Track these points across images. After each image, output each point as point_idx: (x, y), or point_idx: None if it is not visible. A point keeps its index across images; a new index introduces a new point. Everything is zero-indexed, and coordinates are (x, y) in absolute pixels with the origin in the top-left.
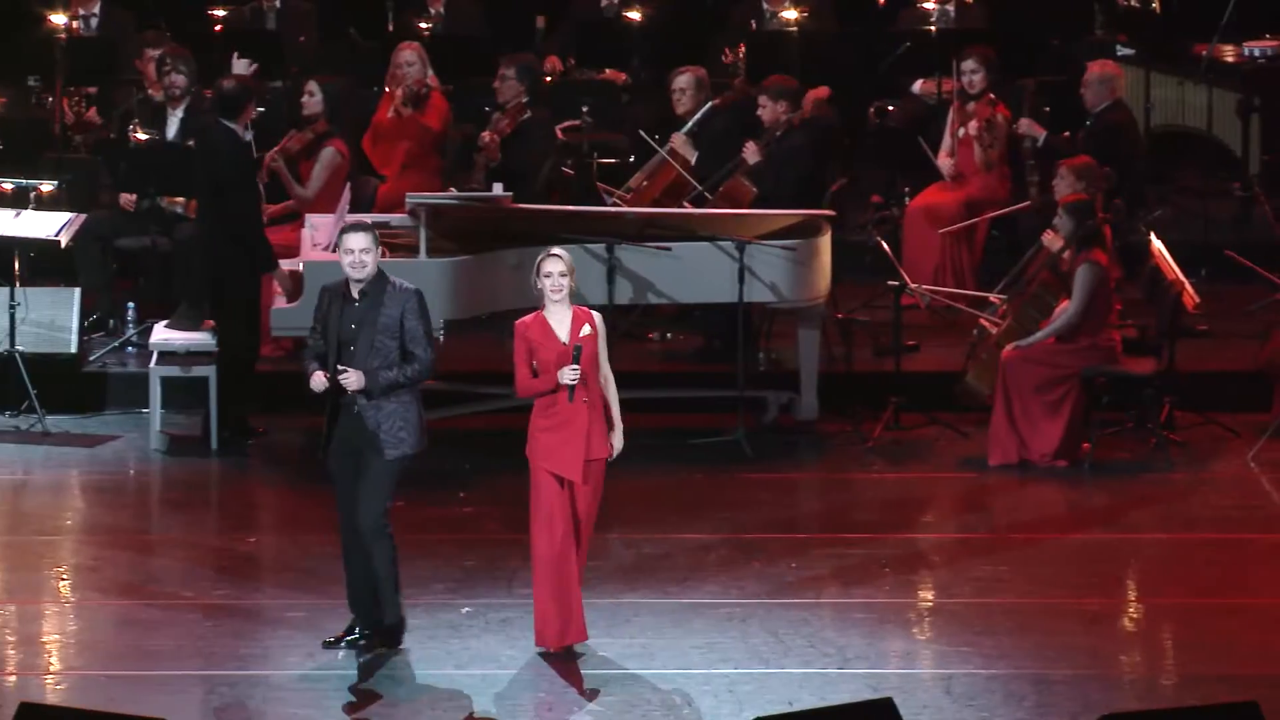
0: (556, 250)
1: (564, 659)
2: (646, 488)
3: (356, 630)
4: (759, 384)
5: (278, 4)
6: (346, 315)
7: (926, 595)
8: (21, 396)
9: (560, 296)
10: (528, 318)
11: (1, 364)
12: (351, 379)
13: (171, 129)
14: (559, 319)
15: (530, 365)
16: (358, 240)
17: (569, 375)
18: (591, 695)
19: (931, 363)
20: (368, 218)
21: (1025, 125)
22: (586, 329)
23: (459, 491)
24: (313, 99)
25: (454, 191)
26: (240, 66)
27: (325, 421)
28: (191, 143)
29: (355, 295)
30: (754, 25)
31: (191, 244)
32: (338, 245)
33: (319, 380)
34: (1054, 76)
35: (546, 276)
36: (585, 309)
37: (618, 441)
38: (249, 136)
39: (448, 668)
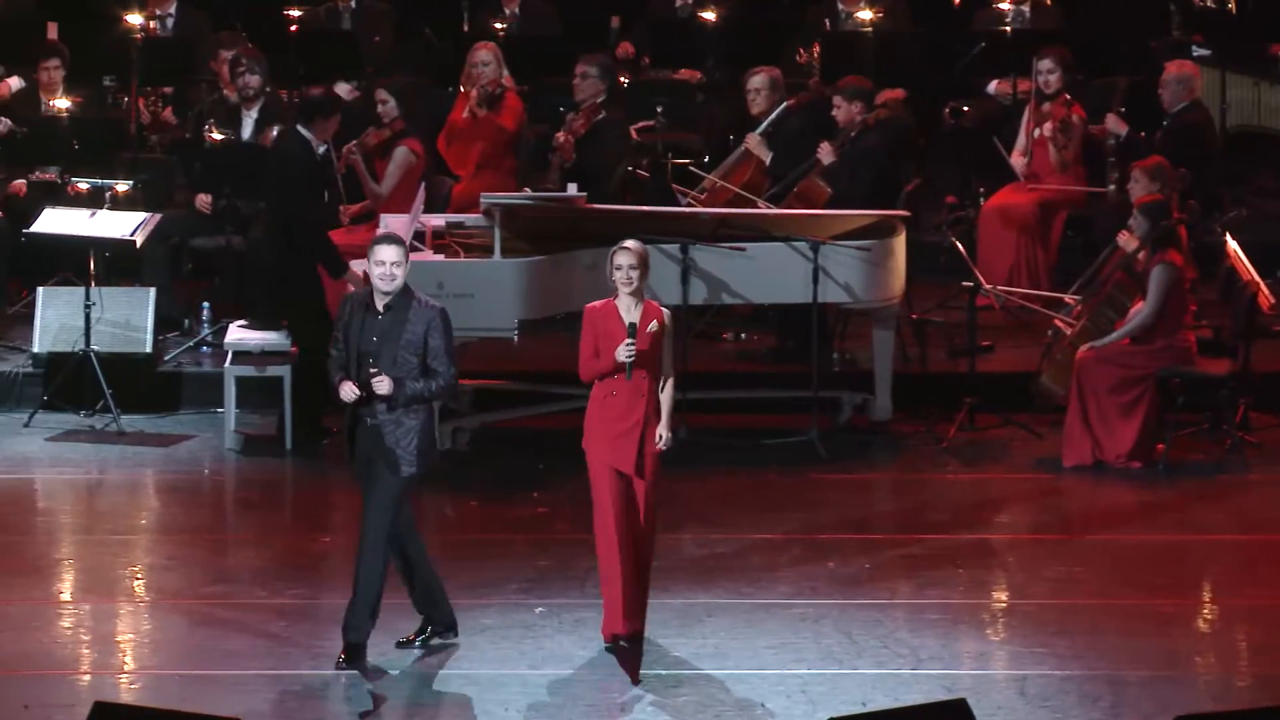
0: (629, 243)
1: (635, 658)
2: (720, 488)
3: (429, 629)
4: (833, 384)
5: (353, 4)
6: (369, 327)
7: (1001, 596)
8: (97, 396)
9: (631, 288)
10: (597, 304)
11: (77, 364)
12: (384, 383)
13: (246, 129)
14: (628, 309)
15: (594, 350)
16: (390, 252)
17: (624, 353)
18: (665, 695)
19: (1006, 363)
20: (442, 218)
21: (1112, 121)
22: (654, 325)
23: (533, 491)
24: (386, 105)
25: (528, 191)
26: (343, 90)
27: (346, 433)
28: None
29: (380, 308)
30: (829, 25)
31: (258, 246)
32: (369, 254)
33: (349, 390)
34: (1130, 76)
35: (617, 269)
36: (656, 304)
37: (664, 431)
38: (323, 149)
39: (521, 667)
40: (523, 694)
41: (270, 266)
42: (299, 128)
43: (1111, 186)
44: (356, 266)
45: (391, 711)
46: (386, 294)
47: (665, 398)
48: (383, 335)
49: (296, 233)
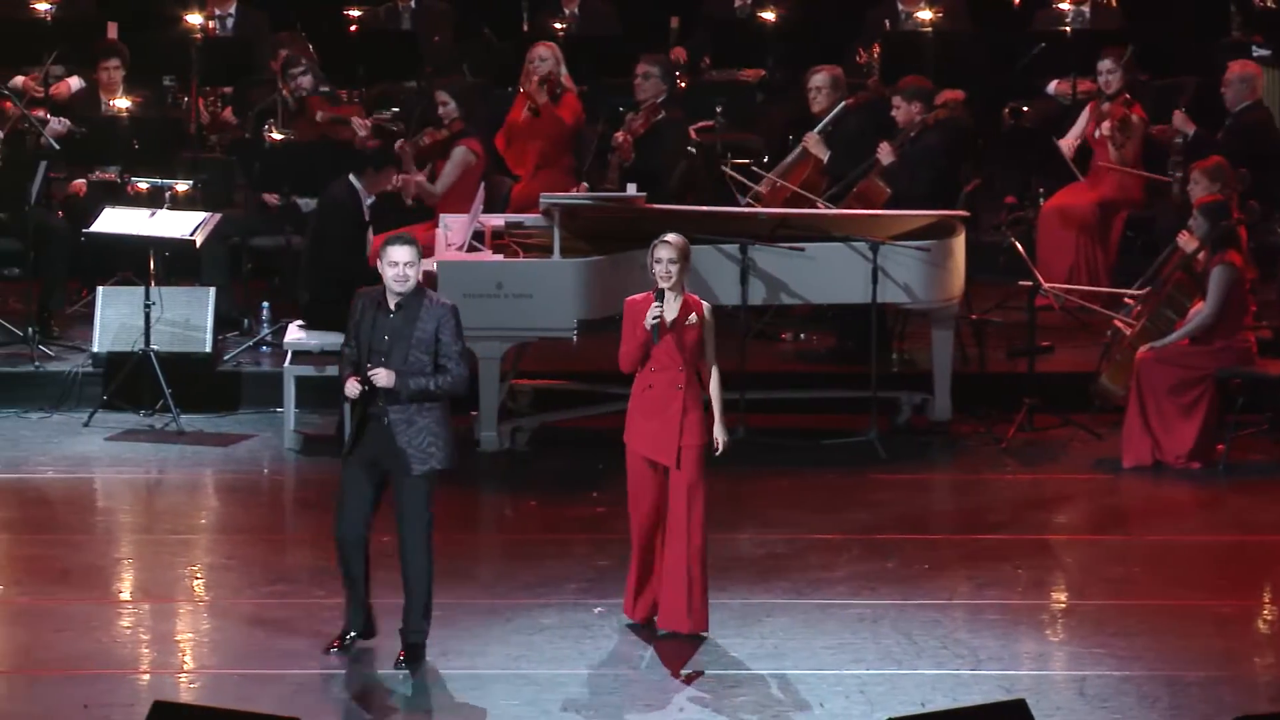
0: (669, 236)
1: (694, 658)
2: (779, 488)
3: (351, 635)
4: (892, 385)
5: (413, 4)
6: (380, 325)
7: (1060, 596)
8: (156, 396)
9: (670, 282)
10: (638, 296)
11: (136, 363)
12: (381, 375)
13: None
14: (667, 302)
15: (633, 341)
16: (403, 253)
17: (652, 313)
18: (722, 695)
19: (1065, 364)
20: (501, 218)
21: (1179, 119)
22: (693, 318)
23: (592, 491)
24: (447, 106)
25: (586, 187)
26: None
27: (352, 429)
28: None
29: (392, 307)
30: (888, 25)
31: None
32: (382, 257)
33: (353, 386)
34: (1190, 77)
35: (657, 262)
36: (697, 298)
37: (720, 434)
38: (370, 202)
39: (580, 667)
40: (581, 693)
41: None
42: (351, 177)
43: (1175, 186)
44: None
45: (450, 711)
46: (400, 294)
47: (715, 394)
48: (395, 333)
49: (332, 273)
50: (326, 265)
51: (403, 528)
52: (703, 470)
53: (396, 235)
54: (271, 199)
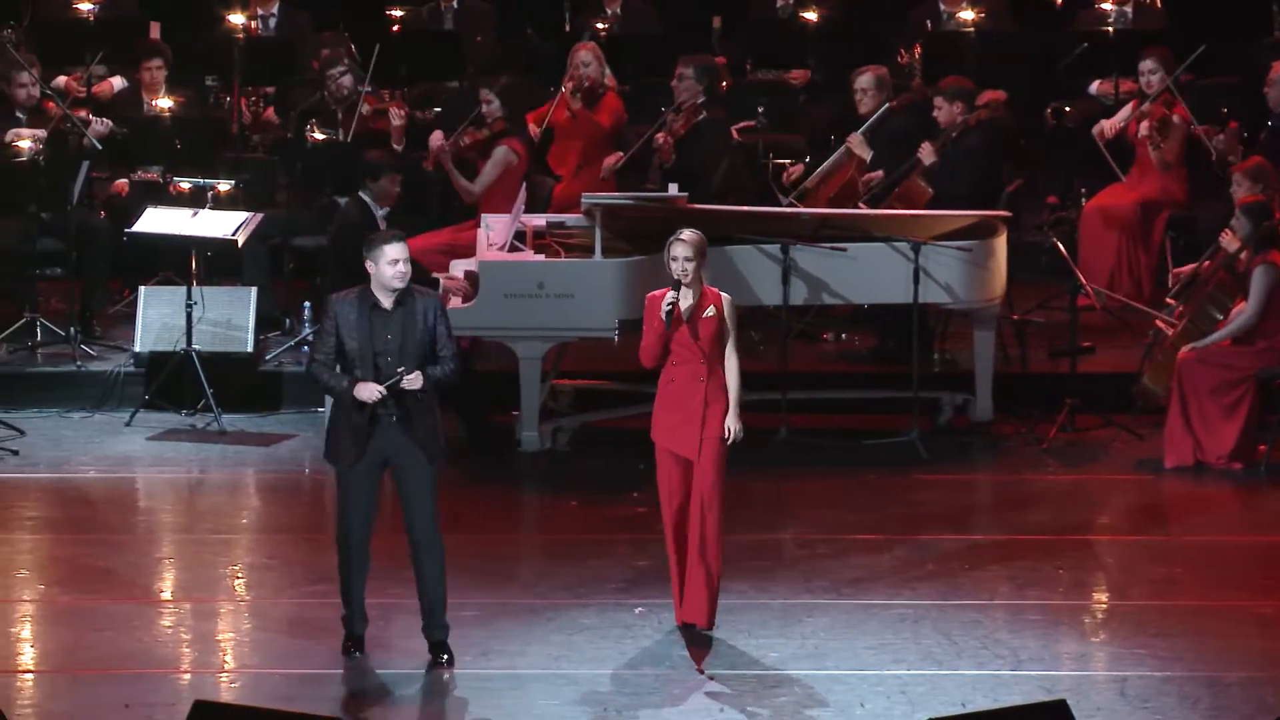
0: (685, 234)
1: (735, 659)
2: (821, 488)
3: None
4: (933, 385)
5: (455, 4)
6: (379, 325)
7: (1101, 597)
8: (198, 395)
9: (688, 279)
10: (657, 292)
11: (178, 363)
12: (416, 378)
13: (338, 130)
14: (685, 298)
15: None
16: (399, 250)
17: (667, 300)
18: (764, 696)
19: (1107, 364)
20: (543, 218)
21: (1228, 141)
22: (711, 310)
23: (633, 491)
24: (491, 105)
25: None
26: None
27: (354, 433)
28: None
29: (388, 305)
30: (930, 26)
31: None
32: (374, 258)
33: (371, 390)
34: (1232, 77)
35: (674, 260)
36: (716, 291)
37: (733, 423)
38: (381, 213)
39: (620, 667)
40: (621, 694)
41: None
42: (361, 193)
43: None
44: (456, 267)
45: (492, 710)
46: (395, 291)
47: (732, 386)
48: (398, 331)
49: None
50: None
51: (419, 521)
52: (723, 463)
53: (391, 234)
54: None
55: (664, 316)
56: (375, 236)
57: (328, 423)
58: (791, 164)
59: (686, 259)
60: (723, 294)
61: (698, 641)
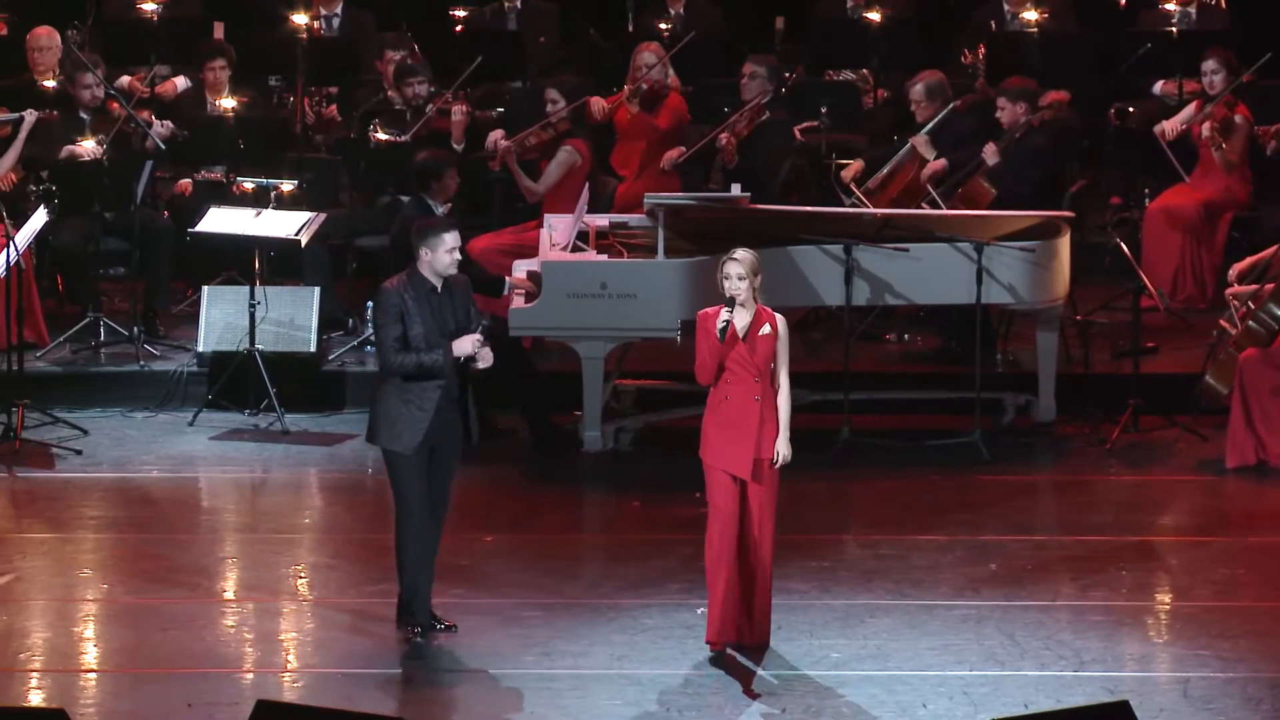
0: (738, 253)
1: (797, 660)
2: (883, 489)
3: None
4: (996, 385)
5: (519, 4)
6: (438, 309)
7: (1164, 598)
8: (261, 395)
9: (743, 298)
10: (710, 309)
11: (241, 363)
12: (487, 355)
13: (407, 134)
14: (740, 316)
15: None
16: (456, 238)
17: (723, 316)
18: (826, 697)
19: (1170, 365)
20: (606, 218)
21: None
22: (767, 328)
23: (695, 491)
24: (556, 106)
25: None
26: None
27: (420, 416)
28: None
29: (439, 289)
30: (994, 26)
31: None
32: (431, 246)
33: (470, 341)
34: None
35: (726, 279)
36: (770, 311)
37: (782, 448)
38: (441, 211)
39: (683, 667)
40: (684, 694)
41: None
42: (421, 195)
43: None
44: (519, 266)
45: (555, 710)
46: (445, 277)
47: (784, 409)
48: (451, 312)
49: None
50: None
51: (440, 504)
52: (778, 484)
53: (448, 222)
54: None
55: (719, 331)
56: (431, 224)
57: (380, 408)
58: (844, 163)
59: (740, 277)
60: (778, 315)
61: (751, 652)
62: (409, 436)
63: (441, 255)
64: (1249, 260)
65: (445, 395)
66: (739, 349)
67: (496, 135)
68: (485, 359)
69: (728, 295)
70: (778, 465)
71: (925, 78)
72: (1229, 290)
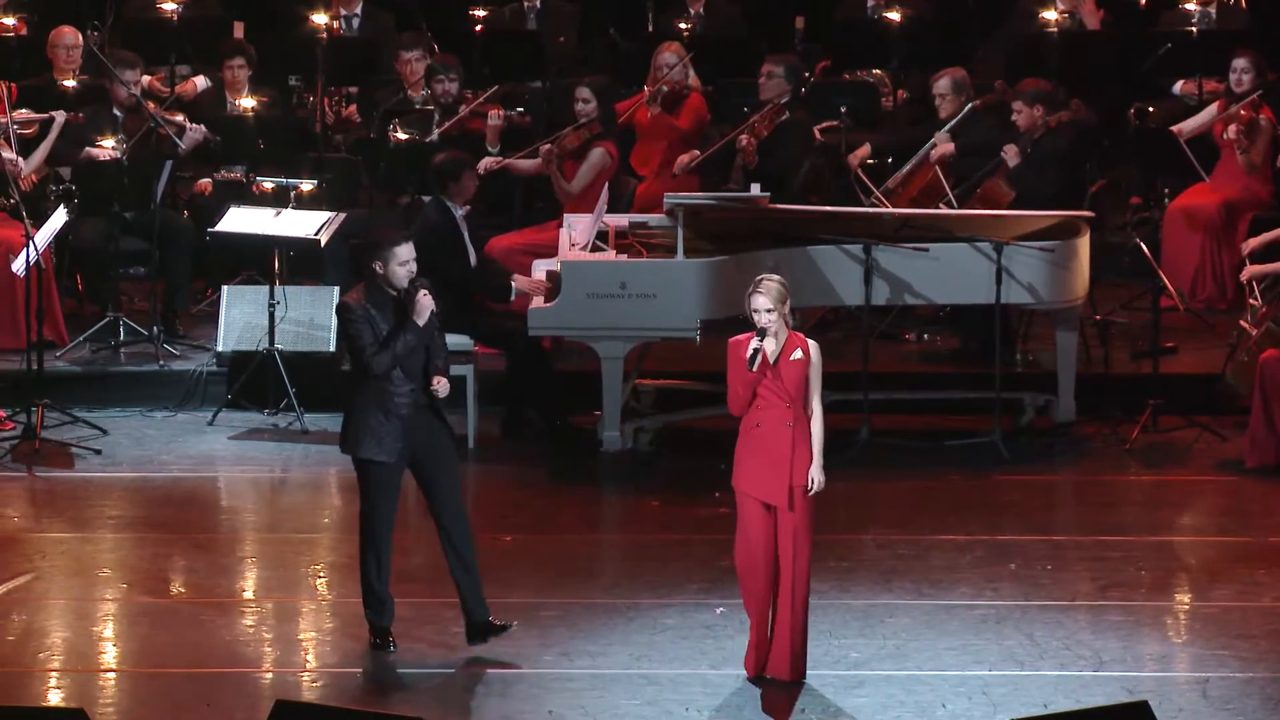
0: (763, 285)
1: (817, 659)
2: (902, 489)
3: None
4: (1016, 385)
5: (538, 4)
6: (401, 314)
7: (1183, 598)
8: (280, 395)
9: (773, 329)
10: (741, 336)
11: (260, 363)
12: (442, 388)
13: (434, 133)
14: (770, 344)
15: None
16: (409, 251)
17: (751, 346)
18: (844, 696)
19: (1190, 365)
20: (625, 218)
21: None
22: (798, 353)
23: (714, 491)
24: (588, 105)
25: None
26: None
27: (392, 426)
28: None
29: (400, 296)
30: (1014, 26)
31: None
32: (384, 259)
33: (424, 303)
34: None
35: (755, 312)
36: (802, 337)
37: (816, 474)
38: (461, 212)
39: (702, 667)
40: (703, 694)
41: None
42: (440, 196)
43: None
44: (539, 266)
45: (573, 710)
46: (401, 289)
47: (816, 435)
48: (420, 328)
49: (444, 295)
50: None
51: (453, 509)
52: (813, 512)
53: (402, 235)
54: None
55: (748, 360)
56: (385, 237)
57: (358, 418)
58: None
59: (768, 310)
60: (810, 340)
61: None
62: (391, 444)
63: (395, 268)
64: (1262, 238)
65: (415, 402)
66: (770, 375)
67: (489, 161)
68: (443, 391)
69: (758, 327)
70: (812, 492)
71: (951, 73)
72: (1244, 271)
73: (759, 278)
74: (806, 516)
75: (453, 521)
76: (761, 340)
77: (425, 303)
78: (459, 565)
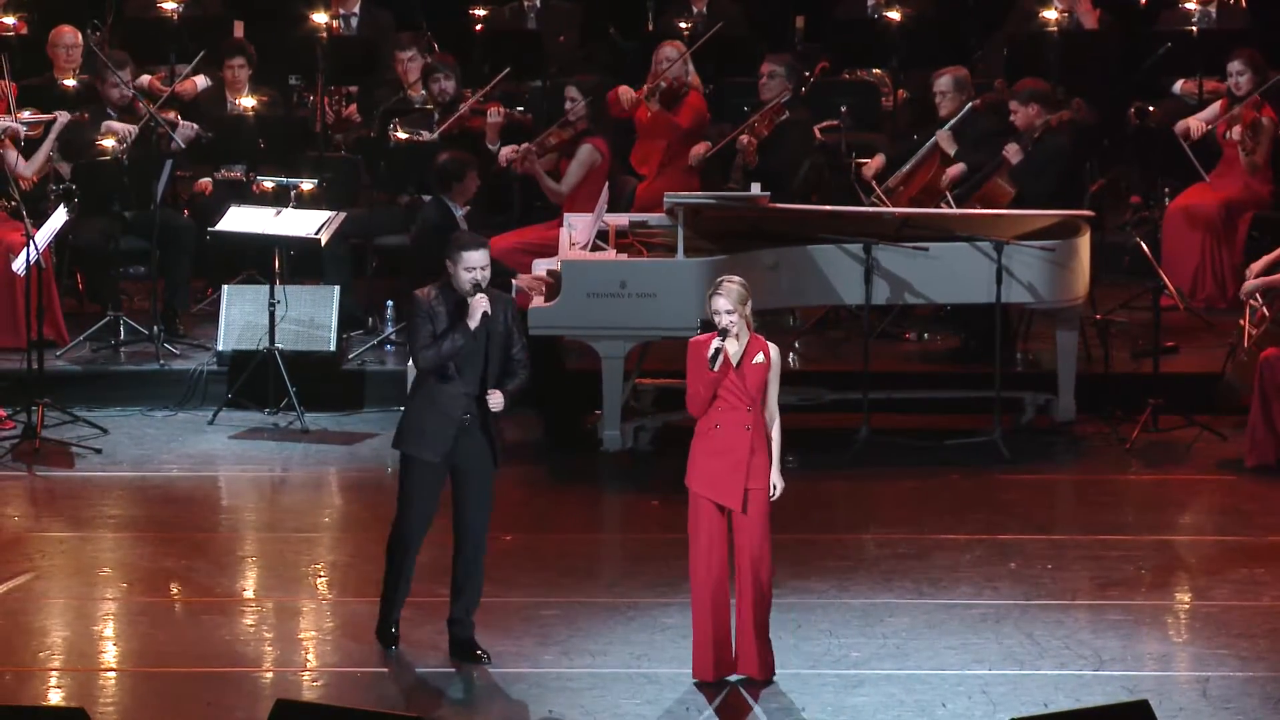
0: (723, 287)
1: (818, 658)
2: (902, 489)
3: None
4: (1016, 385)
5: (538, 3)
6: (470, 328)
7: (1183, 598)
8: (281, 394)
9: (734, 330)
10: (702, 336)
11: (261, 362)
12: (498, 399)
13: (435, 132)
14: (731, 345)
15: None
16: (480, 257)
17: (713, 346)
18: (845, 695)
19: (1190, 364)
20: (625, 217)
21: None
22: (760, 357)
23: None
24: (575, 104)
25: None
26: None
27: (444, 427)
28: None
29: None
30: (1014, 25)
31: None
32: (454, 259)
33: (479, 303)
34: None
35: (715, 314)
36: (763, 340)
37: (777, 480)
38: (461, 212)
39: None
40: (702, 693)
41: None
42: (441, 196)
43: None
44: (539, 265)
45: (574, 709)
46: (471, 293)
47: (774, 440)
48: (482, 327)
49: None
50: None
51: (476, 521)
52: (770, 515)
53: (475, 239)
54: None
55: (710, 358)
56: (459, 239)
57: (411, 414)
58: (863, 162)
59: (728, 312)
60: (770, 344)
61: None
62: (436, 443)
63: (460, 272)
64: (1264, 260)
65: (470, 409)
66: (732, 377)
67: (508, 151)
68: (496, 405)
69: (720, 328)
70: (775, 497)
71: (952, 71)
72: (1244, 286)
73: (720, 279)
74: (763, 518)
75: (472, 542)
76: (723, 340)
77: (477, 304)
78: (462, 584)
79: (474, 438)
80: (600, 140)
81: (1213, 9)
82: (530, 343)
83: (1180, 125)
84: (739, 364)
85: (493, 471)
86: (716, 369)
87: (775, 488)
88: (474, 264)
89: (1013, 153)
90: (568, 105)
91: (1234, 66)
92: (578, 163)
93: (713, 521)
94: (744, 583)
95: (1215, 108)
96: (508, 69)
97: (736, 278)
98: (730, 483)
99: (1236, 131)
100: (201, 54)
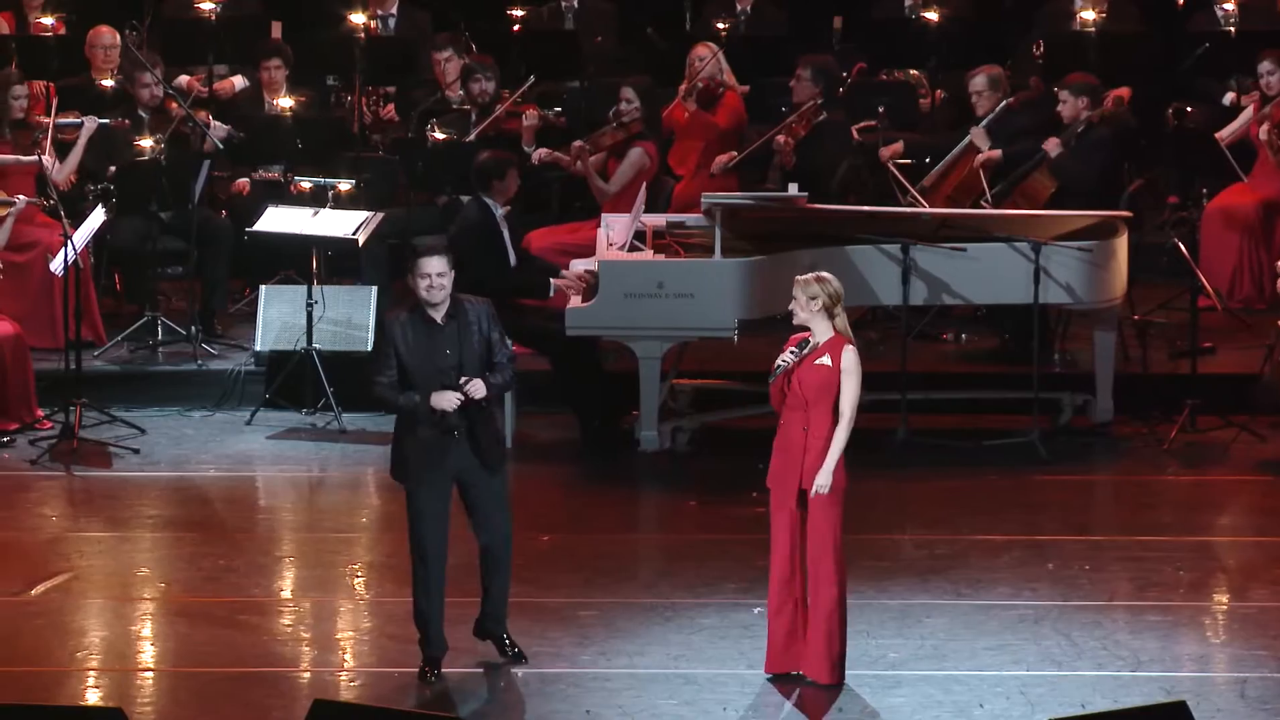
0: (803, 277)
1: (854, 658)
2: (940, 489)
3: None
4: (1054, 385)
5: (576, 4)
6: (436, 341)
7: (1221, 599)
8: (318, 394)
9: (800, 318)
10: (796, 337)
11: (298, 362)
12: (478, 387)
13: (472, 134)
14: (809, 345)
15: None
16: (435, 264)
17: (781, 358)
18: (882, 696)
19: (1228, 365)
20: (663, 218)
21: None
22: (825, 359)
23: (752, 491)
24: (630, 105)
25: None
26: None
27: (425, 450)
28: None
29: (440, 319)
30: (1053, 25)
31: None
32: (411, 268)
33: (451, 398)
34: None
35: (795, 300)
36: (840, 341)
37: (822, 478)
38: (501, 212)
39: (740, 667)
40: (741, 694)
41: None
42: (481, 195)
43: None
44: (576, 265)
45: (611, 709)
46: (438, 305)
47: (835, 440)
48: (456, 347)
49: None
50: (473, 283)
51: (495, 525)
52: (833, 517)
53: (429, 246)
54: None
55: (773, 369)
56: (417, 245)
57: (393, 441)
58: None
59: (796, 304)
60: (849, 346)
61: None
62: (417, 465)
63: (416, 280)
64: None
65: (457, 422)
66: (795, 376)
67: (543, 153)
68: (475, 391)
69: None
70: (813, 495)
71: (987, 69)
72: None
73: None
74: (826, 521)
75: (492, 547)
76: (799, 350)
77: (442, 401)
78: (488, 588)
79: (469, 445)
80: (651, 145)
81: (1247, 8)
82: (558, 346)
83: (1219, 132)
84: (800, 364)
85: (498, 473)
86: (773, 379)
87: (817, 486)
88: (428, 270)
89: (1053, 146)
90: (622, 106)
91: (1264, 66)
92: (629, 164)
93: (784, 516)
94: (811, 583)
95: (1248, 110)
96: (532, 78)
97: (822, 273)
98: (789, 480)
99: (1264, 130)
100: (212, 57)
